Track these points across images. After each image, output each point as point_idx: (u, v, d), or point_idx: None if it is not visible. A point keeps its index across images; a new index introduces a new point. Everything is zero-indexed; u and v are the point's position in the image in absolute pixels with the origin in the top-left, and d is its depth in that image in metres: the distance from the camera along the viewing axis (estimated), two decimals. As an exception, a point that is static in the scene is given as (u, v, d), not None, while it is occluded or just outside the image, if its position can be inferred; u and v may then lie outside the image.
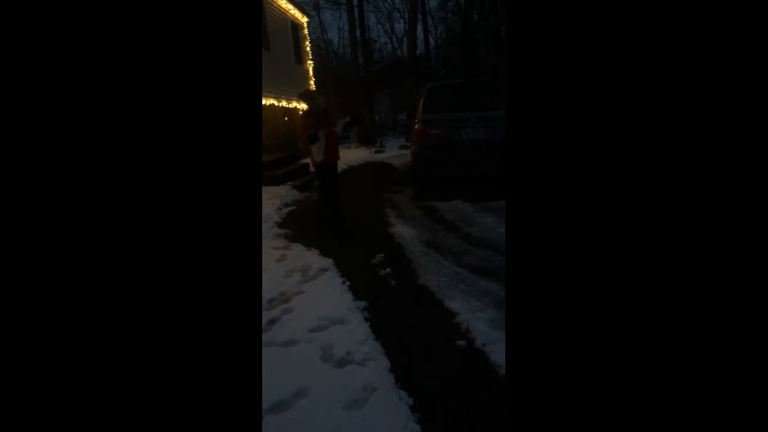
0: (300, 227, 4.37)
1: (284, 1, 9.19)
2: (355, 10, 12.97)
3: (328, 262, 3.25)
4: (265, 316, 2.41)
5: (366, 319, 2.34)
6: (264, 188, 5.53)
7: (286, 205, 5.40)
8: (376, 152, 11.35)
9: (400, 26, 18.74)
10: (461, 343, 2.05)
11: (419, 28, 15.36)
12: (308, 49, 10.80)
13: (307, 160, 8.78)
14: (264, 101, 7.85)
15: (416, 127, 5.76)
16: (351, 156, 10.01)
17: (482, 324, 2.17)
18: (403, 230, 4.03)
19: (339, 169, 8.20)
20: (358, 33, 13.45)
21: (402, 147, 11.61)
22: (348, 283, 2.85)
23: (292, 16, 9.85)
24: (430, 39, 19.17)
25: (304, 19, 10.62)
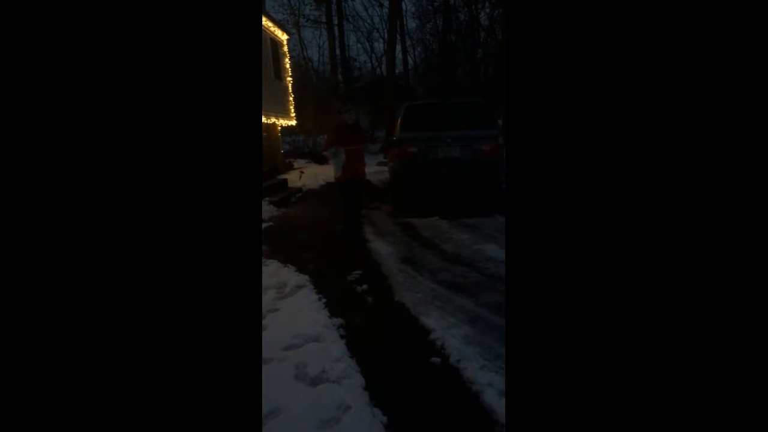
0: (276, 244, 4.33)
1: (264, 19, 9.27)
2: (335, 29, 13.17)
3: (304, 278, 3.23)
4: (239, 334, 2.37)
5: (341, 337, 2.32)
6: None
7: (263, 221, 5.35)
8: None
9: (379, 46, 19.10)
10: (436, 360, 2.06)
11: (398, 48, 15.69)
12: (288, 65, 10.87)
13: (286, 176, 8.75)
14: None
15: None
16: (329, 171, 10.02)
17: (457, 340, 2.20)
18: (380, 246, 4.04)
19: (316, 186, 8.23)
20: (338, 51, 13.63)
21: (380, 164, 11.70)
22: (324, 300, 2.83)
23: (272, 33, 9.92)
24: (409, 59, 19.58)
25: (284, 37, 10.71)
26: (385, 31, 14.95)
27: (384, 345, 2.25)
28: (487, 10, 15.69)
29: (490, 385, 1.79)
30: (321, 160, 3.84)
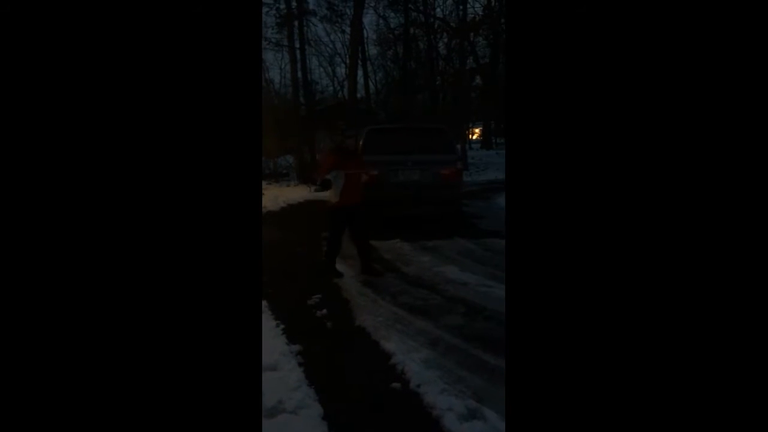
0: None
1: (225, 40, 9.19)
2: (297, 52, 13.26)
3: (261, 303, 3.13)
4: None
5: (300, 364, 2.25)
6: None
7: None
8: (316, 190, 11.32)
9: (341, 70, 19.38)
10: (396, 385, 2.03)
11: (360, 72, 15.99)
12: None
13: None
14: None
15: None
16: (290, 194, 9.89)
17: (417, 365, 2.18)
18: (341, 270, 4.00)
19: (276, 208, 8.08)
20: (299, 74, 13.69)
21: (342, 186, 11.65)
22: (282, 326, 2.75)
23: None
24: (370, 83, 19.97)
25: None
26: (347, 56, 15.23)
27: (344, 372, 2.20)
28: (445, 40, 16.36)
29: (450, 410, 1.78)
30: (327, 185, 3.67)
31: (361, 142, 5.89)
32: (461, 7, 15.33)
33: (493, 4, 14.09)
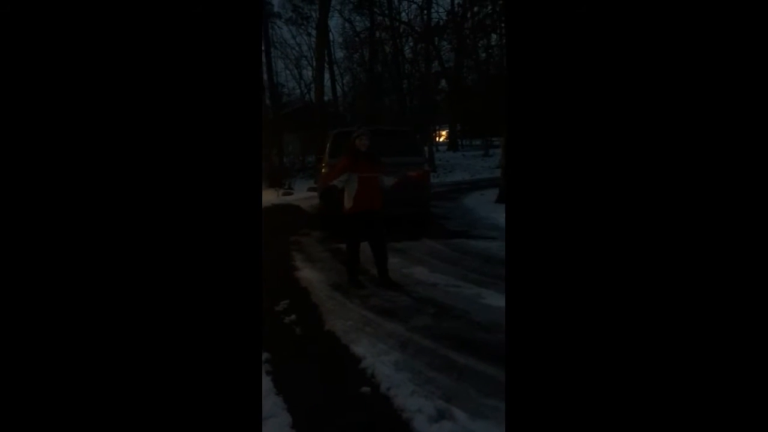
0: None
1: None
2: (263, 55, 13.06)
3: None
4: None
5: (267, 373, 2.20)
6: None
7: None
8: (284, 194, 11.17)
9: (308, 73, 19.21)
10: (366, 389, 2.02)
11: (326, 75, 15.90)
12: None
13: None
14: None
15: (323, 171, 5.82)
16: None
17: (387, 368, 2.18)
18: (309, 274, 3.95)
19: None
20: (265, 76, 13.49)
21: (311, 189, 11.58)
22: (249, 333, 2.68)
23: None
24: (337, 87, 19.91)
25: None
26: (313, 58, 15.12)
27: (313, 378, 2.17)
28: (411, 44, 16.52)
29: (420, 411, 1.78)
30: (328, 197, 3.45)
31: (327, 146, 5.85)
32: (425, 12, 15.53)
33: (456, 9, 14.36)
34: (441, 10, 16.24)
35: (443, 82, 17.16)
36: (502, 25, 8.67)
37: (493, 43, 13.03)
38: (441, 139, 25.23)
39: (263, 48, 13.25)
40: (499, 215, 6.51)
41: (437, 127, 20.38)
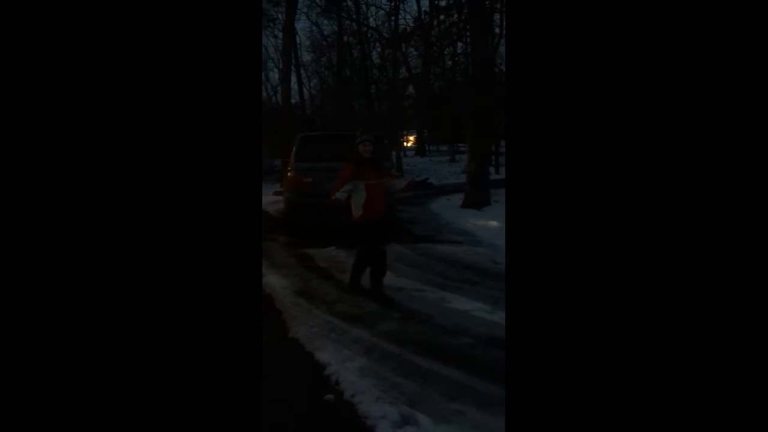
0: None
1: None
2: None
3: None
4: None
5: (228, 382, 2.13)
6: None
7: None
8: None
9: (274, 75, 18.94)
10: (330, 397, 1.99)
11: (293, 78, 15.74)
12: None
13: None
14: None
15: (289, 174, 5.74)
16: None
17: (351, 374, 2.16)
18: (274, 280, 3.87)
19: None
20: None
21: (276, 193, 11.41)
22: (209, 342, 2.59)
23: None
24: (305, 90, 19.74)
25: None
26: (280, 61, 14.94)
27: (275, 387, 2.12)
28: (379, 50, 16.62)
29: (384, 418, 1.77)
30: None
31: (294, 149, 5.78)
32: (393, 18, 15.68)
33: (423, 17, 14.58)
34: (408, 16, 16.44)
35: (411, 88, 17.36)
36: (468, 34, 8.86)
37: (459, 51, 13.31)
38: (409, 145, 25.49)
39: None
40: (464, 220, 6.62)
41: (405, 133, 20.58)
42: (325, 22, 17.35)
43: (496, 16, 11.31)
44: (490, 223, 6.24)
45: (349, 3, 15.57)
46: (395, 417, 1.77)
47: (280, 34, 14.77)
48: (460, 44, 12.38)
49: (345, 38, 16.70)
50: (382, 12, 16.20)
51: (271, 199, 10.84)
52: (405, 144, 20.60)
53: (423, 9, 15.27)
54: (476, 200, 7.77)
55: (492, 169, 11.92)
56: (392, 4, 15.23)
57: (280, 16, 14.57)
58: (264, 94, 18.97)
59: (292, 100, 15.17)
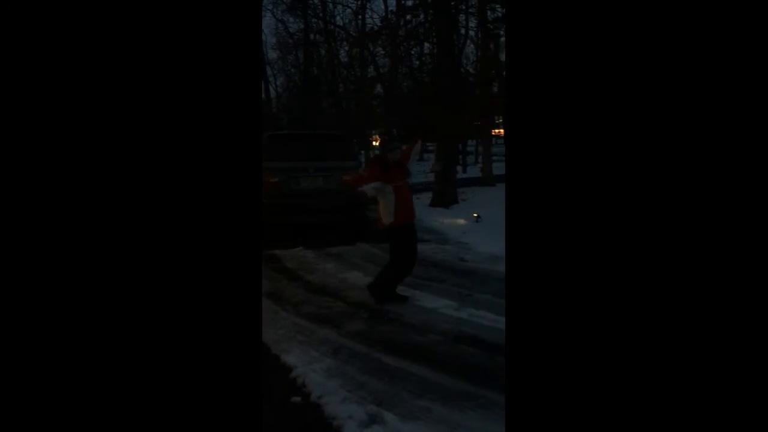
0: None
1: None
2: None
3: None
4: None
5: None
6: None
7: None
8: None
9: (239, 73, 18.41)
10: (297, 399, 1.96)
11: (259, 76, 15.41)
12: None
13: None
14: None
15: (255, 174, 5.63)
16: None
17: (319, 375, 2.14)
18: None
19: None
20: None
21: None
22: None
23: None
24: (271, 88, 19.41)
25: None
26: (245, 58, 14.56)
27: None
28: (346, 48, 16.54)
29: (350, 418, 1.77)
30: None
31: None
32: (360, 16, 15.64)
33: (389, 16, 14.62)
34: (375, 16, 16.44)
35: (379, 87, 17.37)
36: (434, 35, 8.95)
37: (426, 52, 13.43)
38: (377, 144, 25.52)
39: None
40: (433, 218, 6.69)
41: (374, 132, 20.62)
42: (291, 19, 17.11)
43: (462, 18, 11.49)
44: (458, 221, 6.34)
45: (316, 1, 15.42)
46: (362, 416, 1.77)
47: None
48: (427, 45, 12.50)
49: (312, 36, 16.52)
50: (348, 11, 16.13)
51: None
52: (374, 143, 20.63)
53: (390, 8, 15.32)
54: (444, 199, 7.87)
55: (459, 168, 12.10)
56: (359, 2, 15.20)
57: (244, 12, 14.20)
58: (229, 92, 18.46)
59: (258, 99, 14.85)
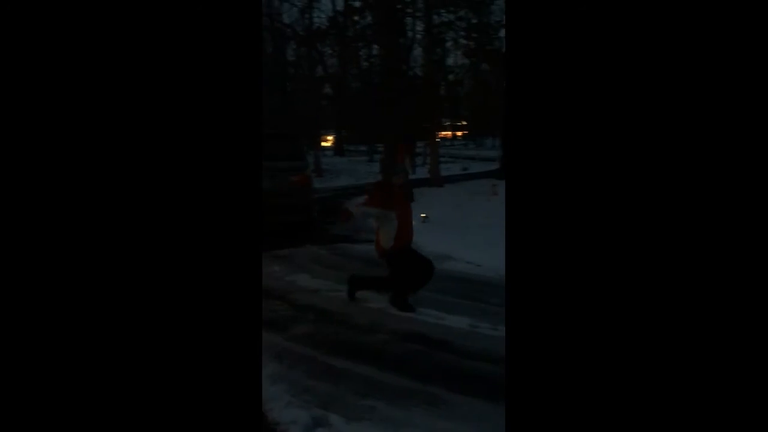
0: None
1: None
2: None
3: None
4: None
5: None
6: None
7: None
8: None
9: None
10: (239, 407, 1.91)
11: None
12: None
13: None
14: None
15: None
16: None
17: (263, 382, 2.09)
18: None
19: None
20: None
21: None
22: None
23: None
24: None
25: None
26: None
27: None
28: (294, 47, 16.27)
29: (294, 422, 1.75)
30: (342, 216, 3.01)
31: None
32: (307, 15, 15.45)
33: (337, 17, 14.56)
34: (323, 15, 16.32)
35: (327, 87, 17.24)
36: (381, 37, 9.02)
37: (374, 53, 13.52)
38: (327, 144, 25.34)
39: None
40: (381, 219, 6.73)
41: (323, 132, 20.42)
42: (236, 15, 16.55)
43: (409, 20, 11.66)
44: (406, 221, 6.42)
45: (261, -3, 15.03)
46: (306, 420, 1.75)
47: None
48: (375, 46, 12.57)
49: (258, 33, 16.07)
50: (296, 9, 15.88)
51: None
52: (324, 143, 20.45)
53: (337, 8, 15.26)
54: (393, 199, 7.94)
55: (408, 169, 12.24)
56: (305, 0, 15.00)
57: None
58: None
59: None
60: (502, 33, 12.62)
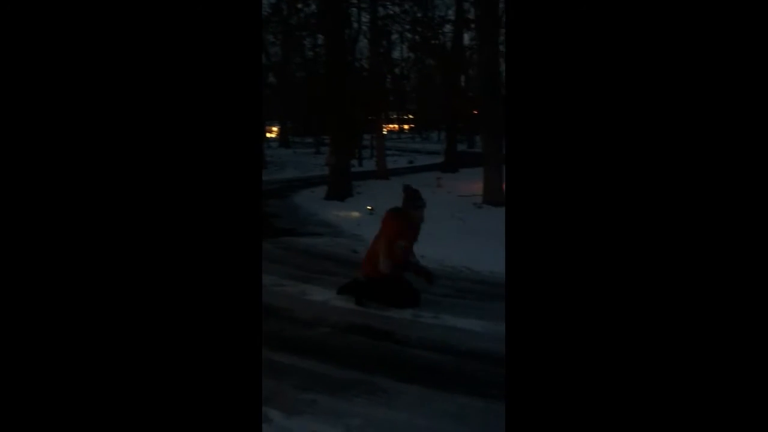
0: None
1: None
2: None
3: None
4: None
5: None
6: None
7: None
8: None
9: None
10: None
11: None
12: None
13: None
14: None
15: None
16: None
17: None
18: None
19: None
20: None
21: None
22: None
23: None
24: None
25: None
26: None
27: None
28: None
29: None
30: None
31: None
32: (249, 1, 14.83)
33: (280, 4, 14.13)
34: (266, 3, 15.78)
35: (271, 77, 16.73)
36: (325, 27, 8.87)
37: (319, 43, 13.28)
38: (272, 135, 24.64)
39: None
40: (328, 212, 6.69)
41: (267, 123, 19.82)
42: None
43: (354, 11, 11.57)
44: (352, 214, 6.43)
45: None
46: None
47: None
48: (320, 36, 12.34)
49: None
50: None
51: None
52: (267, 135, 19.86)
53: (280, -4, 14.78)
54: (339, 192, 7.91)
55: (355, 162, 12.25)
56: (247, -14, 14.38)
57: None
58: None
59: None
60: (447, 28, 12.88)
